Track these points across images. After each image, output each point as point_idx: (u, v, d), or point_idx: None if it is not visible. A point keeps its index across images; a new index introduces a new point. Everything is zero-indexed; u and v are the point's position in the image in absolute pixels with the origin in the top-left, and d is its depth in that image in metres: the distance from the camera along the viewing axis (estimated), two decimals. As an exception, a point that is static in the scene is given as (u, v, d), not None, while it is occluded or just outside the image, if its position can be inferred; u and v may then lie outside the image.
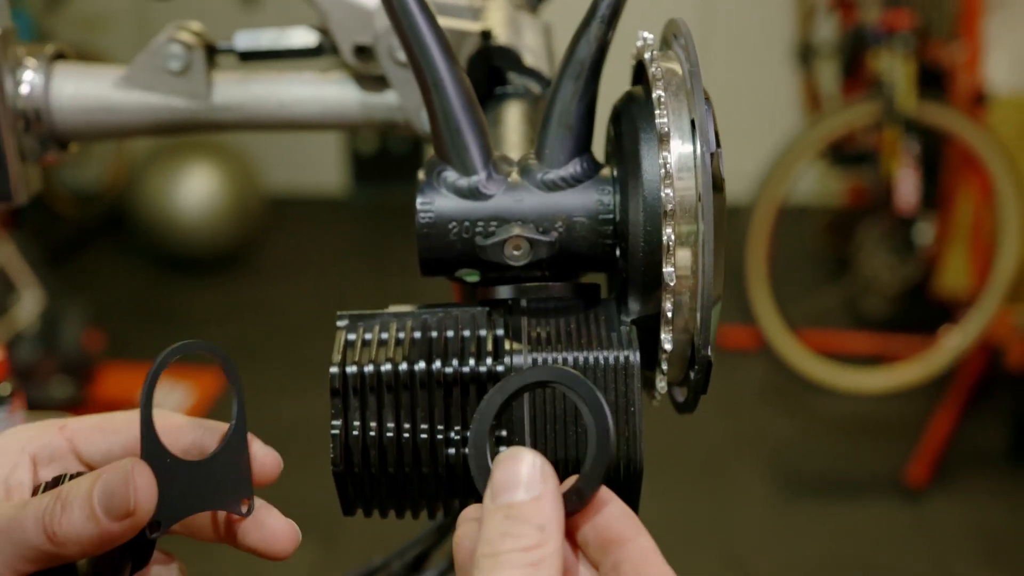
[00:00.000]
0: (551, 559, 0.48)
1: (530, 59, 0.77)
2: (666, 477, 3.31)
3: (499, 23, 0.79)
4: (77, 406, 3.39)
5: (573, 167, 0.60)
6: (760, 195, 3.35)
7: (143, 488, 0.53)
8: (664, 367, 0.59)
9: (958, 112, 3.41)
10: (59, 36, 4.92)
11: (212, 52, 0.81)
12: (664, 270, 0.56)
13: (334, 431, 0.59)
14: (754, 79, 5.38)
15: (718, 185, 0.55)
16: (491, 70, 0.77)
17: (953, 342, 3.52)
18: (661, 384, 0.60)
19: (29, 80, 0.79)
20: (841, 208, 4.73)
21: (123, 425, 0.60)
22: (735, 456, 3.49)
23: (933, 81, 3.62)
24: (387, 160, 5.58)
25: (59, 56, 0.82)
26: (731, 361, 3.96)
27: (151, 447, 0.55)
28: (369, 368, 0.58)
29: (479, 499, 0.59)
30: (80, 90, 0.80)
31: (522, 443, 0.56)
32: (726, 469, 3.42)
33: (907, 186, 3.45)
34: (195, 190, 4.62)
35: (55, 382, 3.41)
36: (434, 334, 0.59)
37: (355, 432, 0.58)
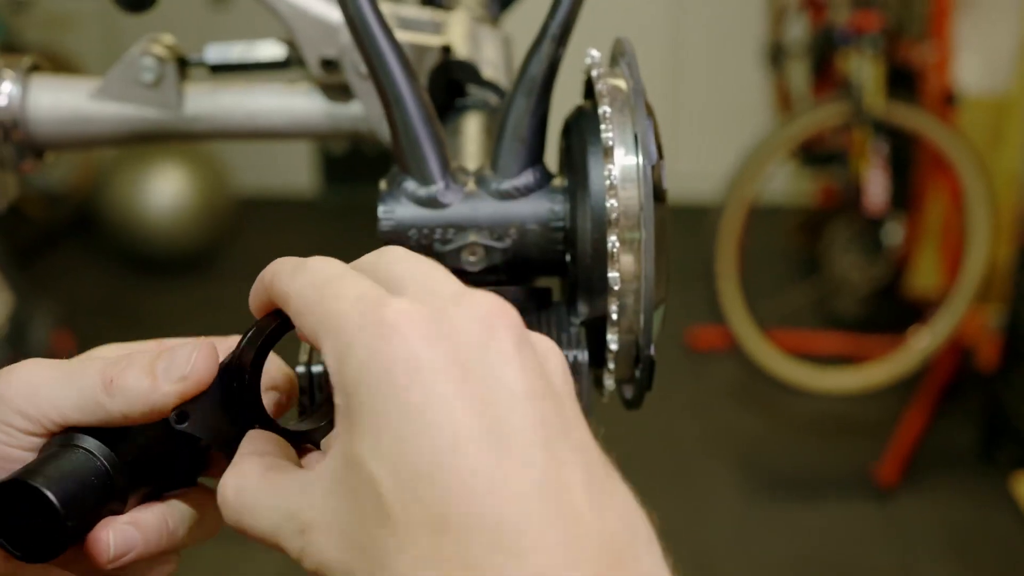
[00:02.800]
0: None
1: (489, 72, 0.80)
2: (636, 477, 3.31)
3: (459, 37, 0.82)
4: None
5: (526, 177, 0.63)
6: (730, 195, 3.38)
7: (203, 360, 0.55)
8: (611, 366, 0.62)
9: (927, 113, 3.44)
10: (26, 36, 4.92)
11: (183, 64, 0.84)
12: (609, 275, 0.59)
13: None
14: (725, 79, 5.41)
15: (659, 195, 0.59)
16: (451, 82, 0.80)
17: (923, 342, 3.55)
18: (609, 382, 0.63)
19: (7, 91, 0.82)
20: (811, 208, 4.76)
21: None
22: (705, 456, 3.51)
23: (903, 82, 3.65)
24: (358, 161, 5.56)
25: (35, 68, 0.84)
26: (701, 361, 4.00)
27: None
28: None
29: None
30: (56, 101, 0.83)
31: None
32: (696, 469, 3.45)
33: (876, 186, 3.48)
34: (164, 191, 4.61)
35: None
36: (394, 336, 0.62)
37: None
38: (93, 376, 0.55)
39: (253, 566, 2.97)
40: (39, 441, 0.55)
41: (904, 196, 3.77)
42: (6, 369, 0.57)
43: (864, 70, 3.42)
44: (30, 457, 0.55)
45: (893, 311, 3.91)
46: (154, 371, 0.54)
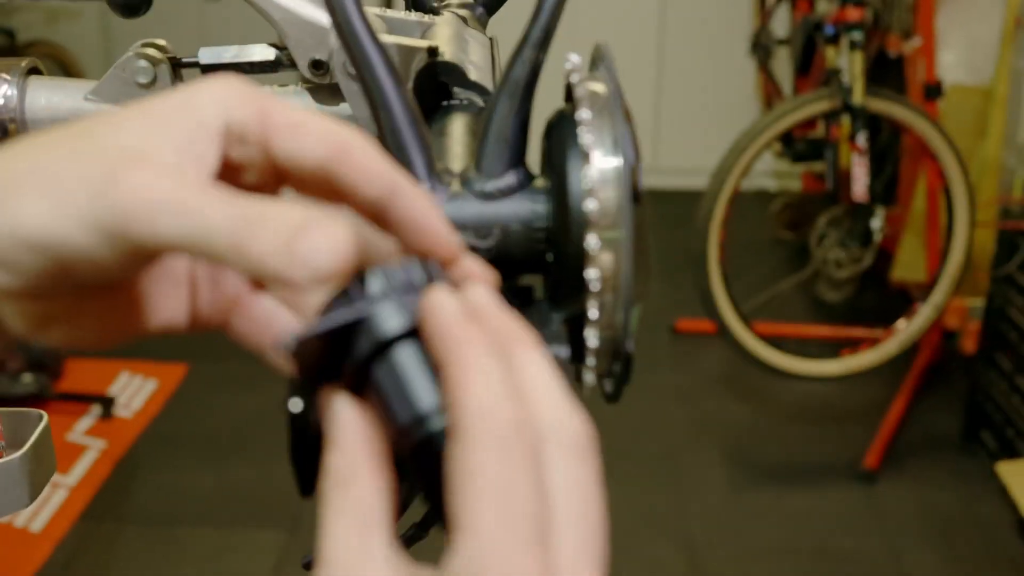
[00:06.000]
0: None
1: (474, 74, 0.82)
2: (622, 463, 3.36)
3: (445, 39, 0.84)
4: (45, 401, 3.42)
5: (509, 178, 0.65)
6: (716, 186, 3.39)
7: (346, 256, 0.48)
8: (591, 361, 0.64)
9: (911, 104, 3.46)
10: (22, 30, 4.93)
11: (177, 66, 0.86)
12: (589, 274, 0.61)
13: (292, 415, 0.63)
14: (710, 71, 5.43)
15: (637, 196, 0.61)
16: (438, 84, 0.82)
17: (906, 330, 3.57)
18: (589, 376, 0.65)
19: (4, 93, 0.84)
20: (796, 198, 4.78)
21: (322, 132, 0.52)
22: (691, 442, 3.54)
23: (887, 73, 3.67)
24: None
25: (33, 70, 0.86)
26: (688, 347, 4.02)
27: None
28: None
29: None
30: (53, 102, 0.85)
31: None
32: (682, 455, 3.47)
33: (861, 176, 3.50)
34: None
35: (23, 377, 3.44)
36: (383, 331, 0.64)
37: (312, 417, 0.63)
38: (224, 224, 0.48)
39: (250, 548, 2.99)
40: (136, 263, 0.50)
41: (888, 186, 3.79)
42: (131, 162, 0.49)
43: (848, 62, 3.44)
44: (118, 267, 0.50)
45: (877, 299, 3.94)
46: (292, 249, 0.47)
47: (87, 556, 3.01)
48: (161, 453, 3.44)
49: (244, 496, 3.20)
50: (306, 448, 0.53)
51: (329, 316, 0.49)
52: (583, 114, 0.63)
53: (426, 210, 0.53)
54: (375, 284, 0.51)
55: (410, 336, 0.49)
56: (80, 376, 3.72)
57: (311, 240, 0.47)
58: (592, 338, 0.63)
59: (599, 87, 0.65)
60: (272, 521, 3.07)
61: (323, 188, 0.54)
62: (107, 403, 3.57)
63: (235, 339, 0.60)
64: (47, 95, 0.85)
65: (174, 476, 3.33)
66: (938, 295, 3.54)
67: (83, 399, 3.59)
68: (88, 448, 3.39)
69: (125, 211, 0.48)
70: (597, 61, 0.68)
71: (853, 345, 3.66)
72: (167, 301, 0.58)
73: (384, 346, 0.49)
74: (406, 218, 0.53)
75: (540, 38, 0.65)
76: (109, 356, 3.86)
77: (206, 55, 0.87)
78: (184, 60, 0.87)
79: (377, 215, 0.53)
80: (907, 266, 3.87)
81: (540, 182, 0.66)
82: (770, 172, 4.99)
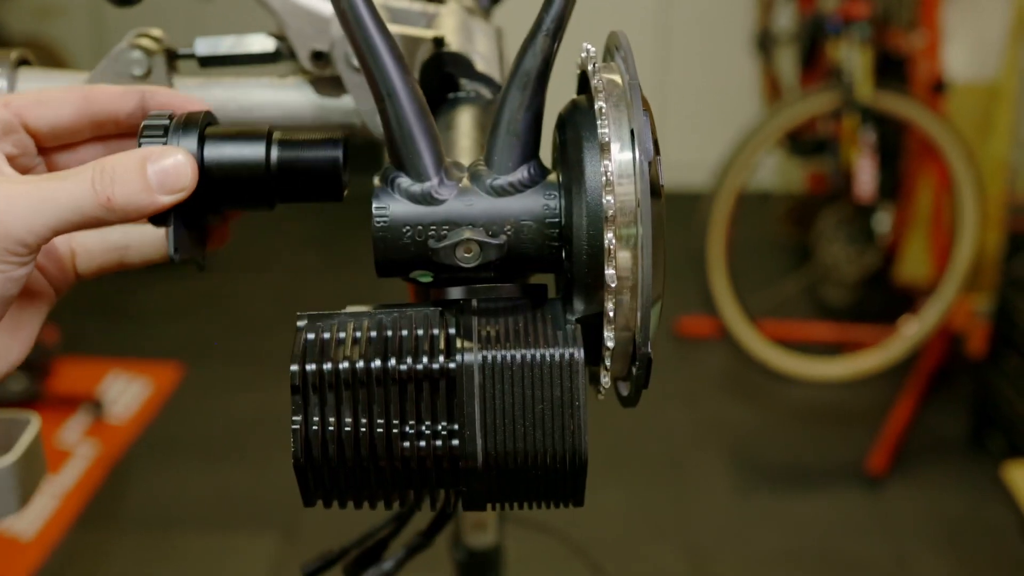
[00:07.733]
0: None
1: (481, 65, 0.80)
2: (625, 466, 3.34)
3: (451, 29, 0.82)
4: (34, 401, 3.38)
5: (521, 173, 0.63)
6: (720, 184, 3.37)
7: (194, 169, 0.60)
8: (608, 363, 0.61)
9: (916, 101, 3.43)
10: (12, 26, 4.91)
11: (172, 57, 0.83)
12: (606, 272, 0.58)
13: (295, 427, 0.61)
14: (714, 67, 5.40)
15: (656, 191, 0.58)
16: (444, 75, 0.79)
17: (913, 330, 3.55)
18: (605, 379, 0.63)
19: (-6, 85, 0.81)
20: (801, 197, 4.76)
21: (64, 98, 0.65)
22: (695, 445, 3.51)
23: (892, 70, 3.65)
24: (352, 150, 5.55)
25: (23, 62, 0.84)
26: (691, 350, 3.99)
27: None
28: (327, 366, 0.60)
29: (433, 491, 0.62)
30: (44, 95, 0.82)
31: (472, 435, 0.59)
32: (686, 458, 3.45)
33: (866, 174, 3.48)
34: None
35: (11, 377, 3.39)
36: (389, 333, 0.62)
37: (315, 427, 0.61)
38: (84, 193, 0.57)
39: (246, 554, 2.97)
40: (31, 259, 0.58)
41: (894, 184, 3.77)
42: None
43: (853, 58, 3.42)
44: (25, 274, 0.59)
45: (883, 299, 3.91)
46: (148, 183, 0.59)
47: (80, 563, 2.98)
48: (155, 457, 3.41)
49: (240, 501, 3.17)
50: None
51: None
52: (600, 105, 0.60)
53: (173, 95, 0.66)
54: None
55: None
56: (70, 376, 3.68)
57: (158, 167, 0.58)
58: (609, 339, 0.60)
59: (616, 77, 0.62)
60: (268, 526, 3.05)
61: (88, 142, 0.67)
62: (98, 404, 3.53)
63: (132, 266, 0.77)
64: (37, 87, 0.82)
65: (169, 481, 3.30)
66: (945, 295, 3.51)
67: (74, 400, 3.55)
68: (81, 452, 3.36)
69: (6, 223, 0.56)
70: (613, 50, 0.65)
71: (859, 346, 3.63)
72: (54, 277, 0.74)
73: None
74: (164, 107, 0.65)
75: (553, 27, 0.62)
76: (100, 356, 3.83)
77: (202, 46, 0.84)
78: (180, 51, 0.84)
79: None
80: (912, 266, 3.84)
81: (553, 177, 0.64)
82: (775, 172, 4.97)
